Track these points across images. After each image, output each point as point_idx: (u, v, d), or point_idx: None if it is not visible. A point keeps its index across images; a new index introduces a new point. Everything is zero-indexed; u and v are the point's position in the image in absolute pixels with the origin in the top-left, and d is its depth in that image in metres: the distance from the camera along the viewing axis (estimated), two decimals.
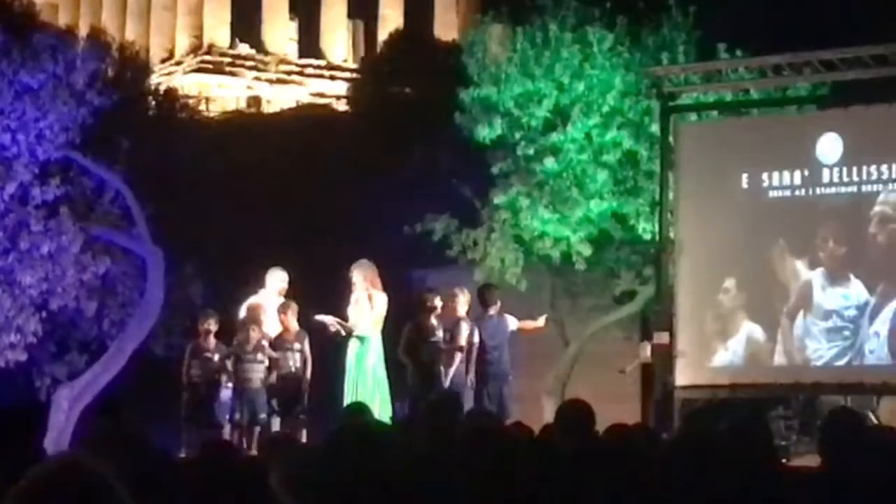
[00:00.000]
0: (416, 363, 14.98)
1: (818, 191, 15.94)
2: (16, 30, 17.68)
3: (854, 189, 15.75)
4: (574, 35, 19.50)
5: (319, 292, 15.59)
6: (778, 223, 16.06)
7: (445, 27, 47.94)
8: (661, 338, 16.42)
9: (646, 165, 18.74)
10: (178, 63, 48.41)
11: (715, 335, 16.30)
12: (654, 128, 18.07)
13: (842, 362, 15.62)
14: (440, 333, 15.04)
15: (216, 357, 15.42)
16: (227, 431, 15.37)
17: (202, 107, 36.83)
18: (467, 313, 15.39)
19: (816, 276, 15.79)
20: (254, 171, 26.02)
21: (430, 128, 23.33)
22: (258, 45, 49.50)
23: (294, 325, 15.30)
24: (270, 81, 48.10)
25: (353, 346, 14.91)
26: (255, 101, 46.06)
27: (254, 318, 15.37)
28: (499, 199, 19.32)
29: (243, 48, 49.10)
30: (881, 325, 15.39)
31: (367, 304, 14.86)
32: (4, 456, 5.93)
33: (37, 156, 16.15)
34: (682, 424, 12.20)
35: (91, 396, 16.23)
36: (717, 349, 16.28)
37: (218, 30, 49.28)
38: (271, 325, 15.50)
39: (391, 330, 15.17)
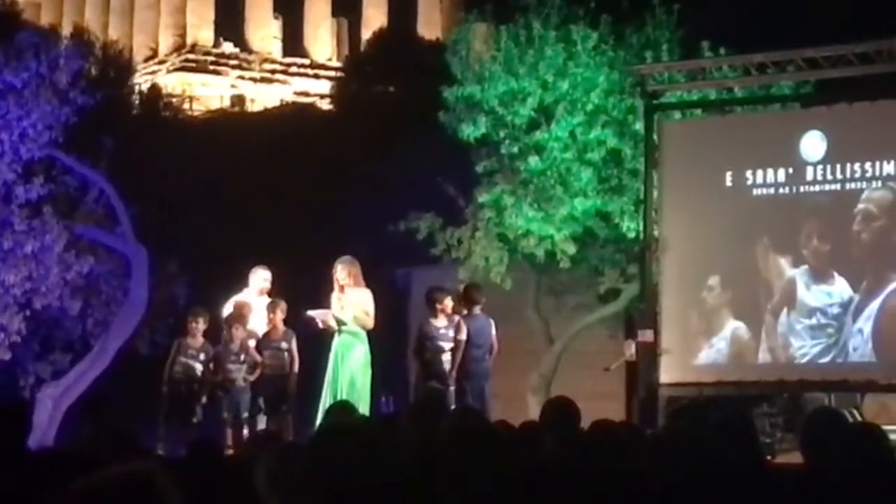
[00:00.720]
0: (422, 363, 15.07)
1: (802, 188, 15.96)
2: None
3: (838, 187, 15.77)
4: (558, 33, 19.49)
5: (303, 291, 15.58)
6: (762, 221, 16.09)
7: (429, 26, 48.00)
8: (646, 336, 16.42)
9: (630, 164, 18.74)
10: (162, 62, 48.39)
11: (699, 333, 16.32)
12: (639, 126, 18.08)
13: (826, 360, 15.64)
14: (450, 332, 15.07)
15: (201, 356, 15.41)
16: (209, 430, 15.38)
17: (186, 105, 36.82)
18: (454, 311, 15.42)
19: (800, 274, 15.82)
20: (237, 170, 25.99)
21: (414, 126, 23.31)
22: (242, 43, 49.49)
23: (282, 325, 15.32)
24: (254, 80, 48.10)
25: (336, 341, 14.92)
26: (238, 99, 46.05)
27: (239, 316, 15.36)
28: (483, 197, 19.31)
29: (227, 47, 49.09)
30: (865, 322, 15.42)
31: (350, 300, 14.85)
32: None
33: (20, 155, 16.12)
34: (667, 422, 12.21)
35: (75, 395, 16.23)
36: (702, 347, 16.30)
37: (201, 28, 49.27)
38: (257, 324, 15.49)
39: (380, 326, 15.17)
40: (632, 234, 18.43)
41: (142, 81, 35.07)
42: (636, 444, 6.23)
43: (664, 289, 16.57)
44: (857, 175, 15.65)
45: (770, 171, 16.10)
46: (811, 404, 14.99)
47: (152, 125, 26.41)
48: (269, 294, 15.65)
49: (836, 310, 15.58)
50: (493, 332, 15.38)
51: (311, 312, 15.03)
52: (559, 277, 20.20)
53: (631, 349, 16.65)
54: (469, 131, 19.37)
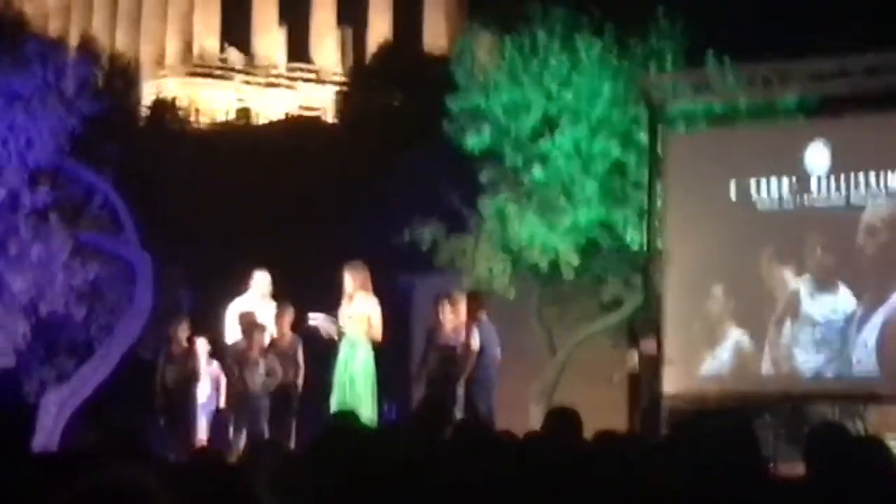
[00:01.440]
0: (429, 370, 15.11)
1: (806, 200, 15.96)
2: (6, 37, 17.72)
3: (842, 199, 15.76)
4: (562, 43, 19.48)
5: (308, 300, 15.61)
6: (766, 232, 16.09)
7: (433, 35, 48.03)
8: (649, 346, 16.43)
9: (634, 174, 18.72)
10: (168, 70, 48.44)
11: (702, 343, 16.31)
12: (643, 136, 18.06)
13: (829, 372, 15.64)
14: (459, 338, 15.12)
15: (189, 363, 15.55)
16: (205, 436, 15.45)
17: (191, 113, 36.87)
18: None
19: (804, 285, 15.81)
20: (242, 179, 26.02)
21: (419, 136, 23.32)
22: (247, 51, 49.55)
23: (290, 332, 15.37)
24: (260, 87, 48.16)
25: (342, 348, 14.95)
26: (244, 112, 46.10)
27: (255, 324, 15.43)
28: (487, 207, 19.30)
29: (233, 55, 49.15)
30: (869, 334, 15.41)
31: (358, 310, 14.87)
32: None
33: (27, 162, 16.17)
34: (670, 432, 12.21)
35: (79, 400, 16.28)
36: (705, 357, 16.29)
37: (207, 37, 49.34)
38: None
39: (383, 334, 15.19)
40: (635, 245, 18.41)
41: (148, 90, 35.10)
42: (639, 453, 6.24)
43: (667, 299, 16.57)
44: (862, 187, 15.64)
45: (774, 183, 16.10)
46: (814, 415, 14.99)
47: (158, 132, 26.47)
48: (274, 297, 15.74)
49: (839, 322, 15.57)
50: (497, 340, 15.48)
51: (312, 315, 15.06)
52: (562, 287, 20.16)
53: (634, 359, 16.67)
54: (473, 141, 19.35)
